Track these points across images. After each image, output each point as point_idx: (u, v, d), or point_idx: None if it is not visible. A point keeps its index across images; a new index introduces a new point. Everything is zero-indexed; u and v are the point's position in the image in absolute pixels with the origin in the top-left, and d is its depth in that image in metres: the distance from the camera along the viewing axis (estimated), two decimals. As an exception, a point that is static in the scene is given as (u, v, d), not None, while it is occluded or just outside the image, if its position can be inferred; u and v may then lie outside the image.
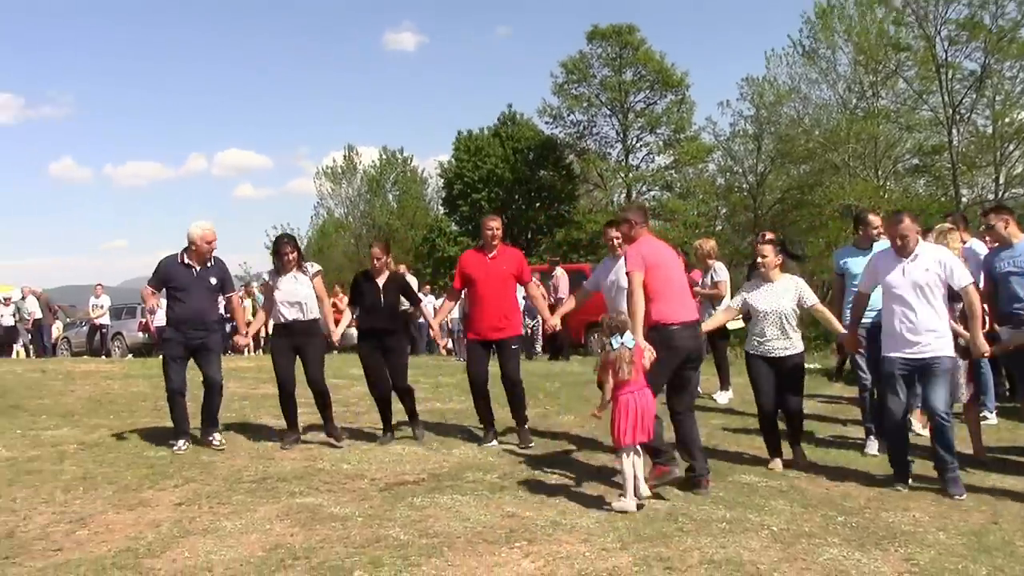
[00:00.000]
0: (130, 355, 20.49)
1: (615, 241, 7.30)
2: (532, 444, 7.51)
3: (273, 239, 8.04)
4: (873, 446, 7.36)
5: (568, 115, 41.41)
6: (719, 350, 10.45)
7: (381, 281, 7.79)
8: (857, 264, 7.31)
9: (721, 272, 10.22)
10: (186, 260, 7.58)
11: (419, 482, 6.20)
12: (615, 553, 4.66)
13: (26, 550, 4.75)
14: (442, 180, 45.47)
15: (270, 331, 8.33)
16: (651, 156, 41.76)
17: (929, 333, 6.11)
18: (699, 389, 10.75)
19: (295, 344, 7.59)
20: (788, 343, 6.80)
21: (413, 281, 15.28)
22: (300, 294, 7.56)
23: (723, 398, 10.22)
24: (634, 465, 5.58)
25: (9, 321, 22.02)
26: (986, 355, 6.57)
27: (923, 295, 6.13)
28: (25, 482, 6.14)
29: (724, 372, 10.45)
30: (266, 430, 8.17)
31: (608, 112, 41.00)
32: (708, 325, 7.32)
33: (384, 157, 49.32)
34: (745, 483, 6.28)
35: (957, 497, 5.93)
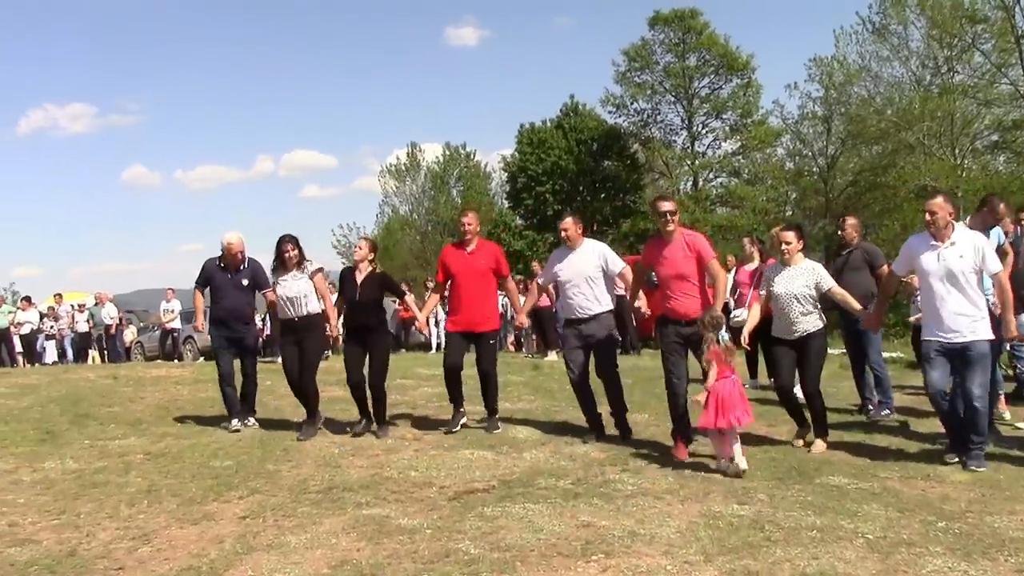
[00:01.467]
0: (202, 358, 20.65)
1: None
2: (499, 430, 7.96)
3: (276, 240, 8.36)
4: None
5: (631, 104, 40.96)
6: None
7: (360, 277, 7.99)
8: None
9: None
10: (221, 264, 8.53)
11: (489, 490, 5.95)
12: (699, 567, 4.35)
13: (88, 570, 4.61)
14: (506, 174, 45.31)
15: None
16: (717, 142, 41.13)
17: (963, 318, 6.16)
18: (758, 380, 10.49)
19: (296, 339, 8.16)
20: (800, 324, 6.92)
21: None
22: (299, 290, 8.06)
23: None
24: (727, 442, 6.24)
25: (84, 327, 22.40)
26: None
27: (957, 281, 6.18)
28: (90, 495, 6.05)
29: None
30: (332, 435, 8.00)
31: (672, 99, 40.43)
32: (750, 321, 7.28)
33: (447, 153, 49.35)
34: (834, 485, 5.90)
35: (976, 469, 6.14)
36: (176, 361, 19.93)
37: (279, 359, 9.95)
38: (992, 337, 6.28)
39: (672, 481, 6.06)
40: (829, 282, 6.97)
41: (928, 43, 32.49)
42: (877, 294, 7.62)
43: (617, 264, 7.68)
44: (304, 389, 8.17)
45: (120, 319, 22.99)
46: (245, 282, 8.54)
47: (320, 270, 8.37)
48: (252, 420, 8.60)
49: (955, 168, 31.54)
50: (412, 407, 9.32)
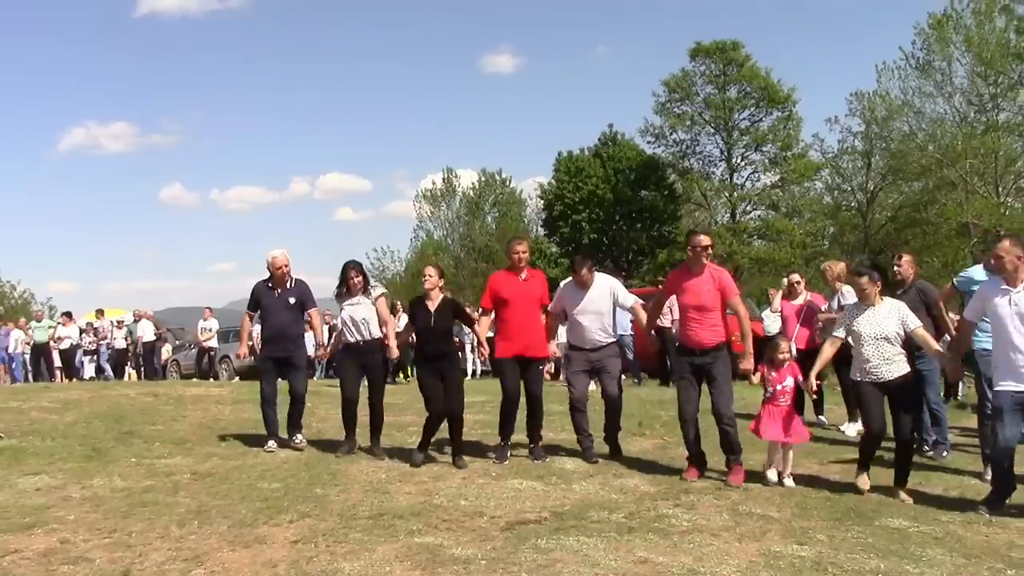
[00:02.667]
0: (237, 378, 20.71)
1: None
2: (547, 459, 7.94)
3: (341, 265, 8.49)
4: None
5: (671, 134, 40.86)
6: (845, 379, 9.83)
7: (433, 305, 7.90)
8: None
9: (850, 296, 9.64)
10: (268, 284, 8.59)
11: (541, 521, 5.85)
12: (764, 609, 4.24)
13: (142, 590, 4.58)
14: (542, 201, 45.31)
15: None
16: (756, 174, 40.90)
17: None
18: (824, 419, 10.27)
19: (362, 363, 8.35)
20: (893, 366, 6.71)
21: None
22: (364, 315, 8.24)
23: (851, 430, 9.64)
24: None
25: (122, 344, 22.57)
26: None
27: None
28: (140, 515, 6.02)
29: (852, 402, 9.87)
30: (378, 462, 7.93)
31: (712, 130, 40.29)
32: (820, 361, 7.13)
33: (483, 179, 49.39)
34: (895, 528, 5.77)
35: None
36: (212, 380, 20.00)
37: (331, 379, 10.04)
38: None
39: (727, 518, 5.94)
40: (915, 322, 6.80)
41: (973, 79, 32.18)
42: (951, 341, 7.39)
43: (628, 299, 8.16)
44: (376, 408, 8.36)
45: (158, 336, 23.13)
46: (292, 300, 8.56)
47: (383, 295, 8.52)
48: (299, 437, 8.63)
49: (998, 206, 31.18)
50: (465, 436, 9.24)
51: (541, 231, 46.10)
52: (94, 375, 22.77)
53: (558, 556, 5.04)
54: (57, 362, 21.99)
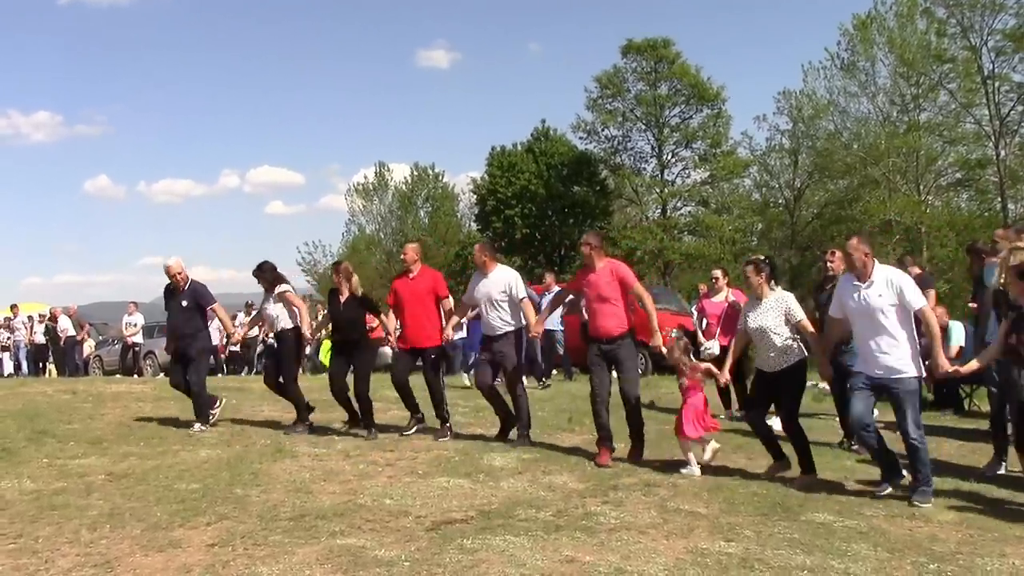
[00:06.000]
0: (161, 374, 20.20)
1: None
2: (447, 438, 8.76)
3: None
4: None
5: (602, 130, 40.88)
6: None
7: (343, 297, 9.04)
8: None
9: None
10: (171, 288, 9.56)
11: (468, 520, 5.74)
12: (691, 608, 4.20)
13: (46, 599, 4.37)
14: (475, 196, 45.14)
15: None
16: (686, 171, 41.09)
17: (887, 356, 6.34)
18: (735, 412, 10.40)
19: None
20: (777, 357, 7.00)
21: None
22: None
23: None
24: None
25: (42, 339, 21.89)
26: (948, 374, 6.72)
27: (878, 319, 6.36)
28: (49, 518, 5.77)
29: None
30: (301, 460, 7.74)
31: (643, 127, 40.42)
32: (731, 356, 7.63)
33: (415, 173, 49.05)
34: (820, 523, 5.78)
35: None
36: (136, 376, 19.49)
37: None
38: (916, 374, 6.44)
39: (655, 515, 5.90)
40: (799, 314, 7.01)
41: (895, 80, 32.86)
42: (817, 339, 7.30)
43: (521, 291, 8.58)
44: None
45: (84, 328, 22.48)
46: (185, 303, 9.46)
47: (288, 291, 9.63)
48: (197, 426, 9.24)
49: (919, 204, 31.92)
50: (381, 430, 9.09)
51: (474, 226, 45.95)
52: (12, 372, 22.06)
53: (484, 556, 4.95)
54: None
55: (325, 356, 20.00)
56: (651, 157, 41.08)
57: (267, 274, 9.53)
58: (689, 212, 40.98)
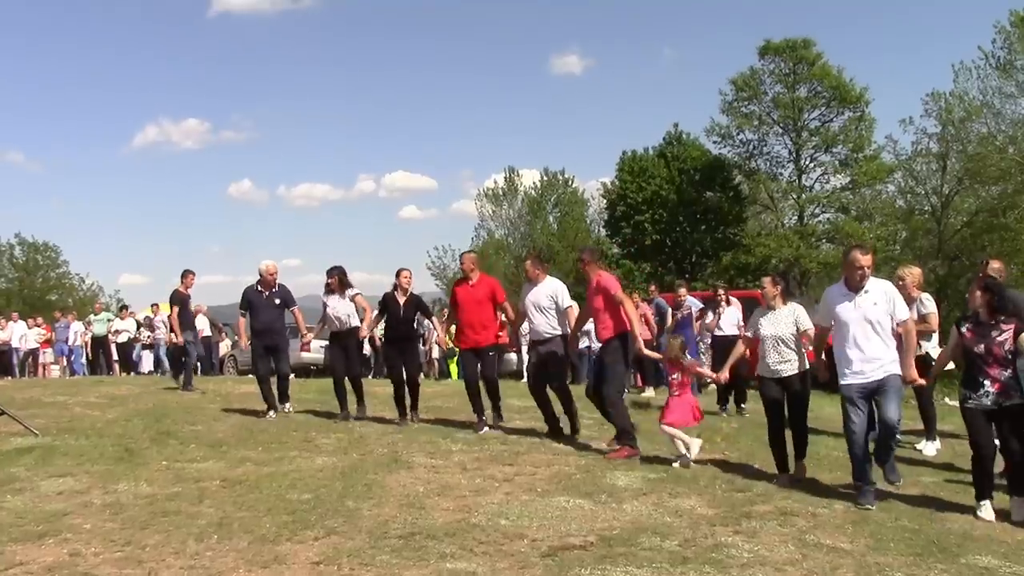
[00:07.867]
0: (292, 375, 20.46)
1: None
2: (488, 427, 9.55)
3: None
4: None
5: (737, 134, 39.92)
6: (923, 394, 9.03)
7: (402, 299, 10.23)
8: None
9: (928, 304, 8.95)
10: (258, 288, 10.76)
11: (587, 547, 5.33)
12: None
13: (144, 615, 4.19)
14: (604, 201, 44.65)
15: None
16: (826, 176, 39.77)
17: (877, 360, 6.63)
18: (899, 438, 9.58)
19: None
20: (788, 365, 7.45)
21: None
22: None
23: (930, 449, 8.97)
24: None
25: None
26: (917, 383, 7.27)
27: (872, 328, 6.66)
28: (159, 525, 5.66)
29: (929, 420, 9.17)
30: (417, 472, 7.47)
31: (780, 130, 39.29)
32: (733, 355, 8.17)
33: (545, 179, 48.82)
34: (983, 567, 5.14)
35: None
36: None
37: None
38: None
39: (793, 550, 5.36)
40: (807, 323, 7.42)
41: (1058, 80, 30.78)
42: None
43: (566, 301, 9.26)
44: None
45: (220, 328, 23.03)
46: (277, 301, 10.83)
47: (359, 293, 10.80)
48: (287, 406, 10.96)
49: (1082, 212, 29.78)
50: (503, 442, 8.78)
51: (603, 232, 45.45)
52: (152, 369, 22.74)
53: (602, 590, 4.53)
54: (115, 355, 21.99)
55: (453, 367, 20.07)
56: (788, 162, 39.90)
57: (345, 277, 10.64)
58: (828, 219, 39.61)
